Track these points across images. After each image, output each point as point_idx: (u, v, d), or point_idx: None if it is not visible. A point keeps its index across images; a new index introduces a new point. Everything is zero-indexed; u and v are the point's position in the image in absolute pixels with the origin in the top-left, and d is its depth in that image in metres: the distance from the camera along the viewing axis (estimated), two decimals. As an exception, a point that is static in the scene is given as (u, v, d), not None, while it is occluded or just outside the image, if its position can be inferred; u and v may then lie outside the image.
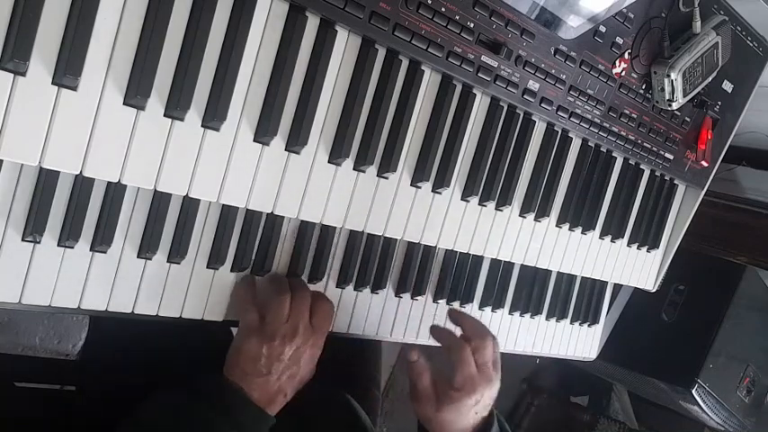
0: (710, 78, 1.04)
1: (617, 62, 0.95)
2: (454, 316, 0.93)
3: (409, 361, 0.85)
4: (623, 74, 0.97)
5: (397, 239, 0.90)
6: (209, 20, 0.62)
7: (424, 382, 0.83)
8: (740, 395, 2.04)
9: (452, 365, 0.83)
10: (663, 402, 2.26)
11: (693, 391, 1.88)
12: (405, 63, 0.78)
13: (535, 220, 0.99)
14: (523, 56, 0.85)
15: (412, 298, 0.96)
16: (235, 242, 0.77)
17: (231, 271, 0.77)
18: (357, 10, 0.69)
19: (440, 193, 0.86)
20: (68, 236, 0.65)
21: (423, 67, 0.79)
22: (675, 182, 1.20)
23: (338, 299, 0.87)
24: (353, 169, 0.77)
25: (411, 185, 0.83)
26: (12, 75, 0.54)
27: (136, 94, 0.59)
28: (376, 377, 1.19)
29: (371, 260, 0.89)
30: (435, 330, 0.93)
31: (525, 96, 0.88)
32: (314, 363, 0.77)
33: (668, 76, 0.98)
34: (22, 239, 0.63)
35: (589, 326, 1.28)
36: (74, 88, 0.57)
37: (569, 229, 1.04)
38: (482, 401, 0.82)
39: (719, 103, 1.14)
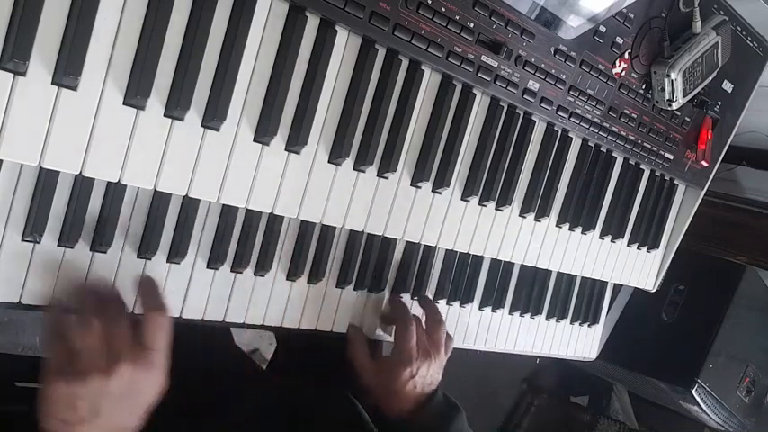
0: (710, 78, 1.04)
1: (617, 62, 0.95)
2: (423, 302, 0.96)
3: (348, 335, 0.89)
4: (623, 74, 0.97)
5: (396, 239, 0.90)
6: (209, 20, 0.62)
7: (360, 355, 0.88)
8: (740, 395, 2.04)
9: (396, 337, 0.89)
10: (663, 402, 2.26)
11: (693, 391, 1.88)
12: (405, 63, 0.78)
13: (535, 220, 0.99)
14: (523, 56, 0.85)
15: (412, 298, 0.96)
16: (235, 242, 0.77)
17: (231, 271, 0.77)
18: (357, 10, 0.69)
19: (440, 193, 0.86)
20: (68, 236, 0.65)
21: (423, 67, 0.79)
22: (675, 182, 1.20)
23: (338, 299, 0.87)
24: (353, 169, 0.77)
25: (411, 185, 0.83)
26: (12, 75, 0.54)
27: (136, 94, 0.59)
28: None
29: (371, 260, 0.89)
30: (392, 301, 0.94)
31: (525, 96, 0.88)
32: (157, 384, 0.65)
33: (668, 76, 0.98)
34: (22, 239, 0.63)
35: (589, 326, 1.28)
36: (74, 88, 0.57)
37: (569, 229, 1.04)
38: (419, 375, 0.86)
39: (719, 103, 1.14)
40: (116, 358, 0.61)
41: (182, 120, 0.63)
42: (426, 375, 0.87)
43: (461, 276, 1.02)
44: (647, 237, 1.18)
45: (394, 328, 0.91)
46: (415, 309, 0.96)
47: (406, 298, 0.95)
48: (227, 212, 0.75)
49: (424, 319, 0.93)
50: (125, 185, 0.66)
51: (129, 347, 0.62)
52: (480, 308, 1.06)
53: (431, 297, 0.98)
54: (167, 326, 0.65)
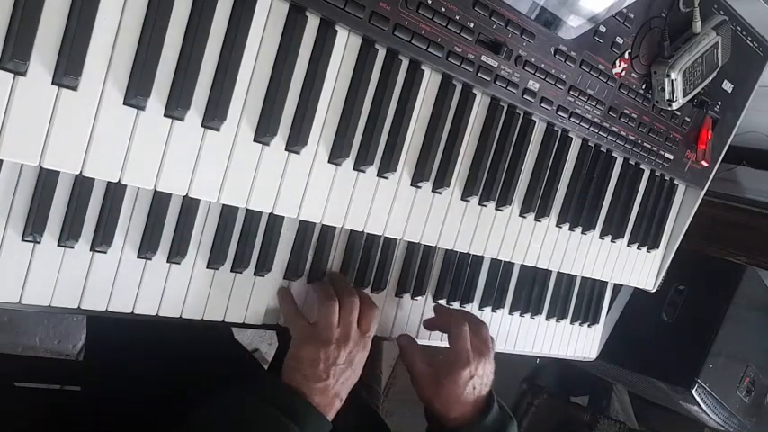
0: (710, 78, 1.04)
1: (617, 62, 0.95)
2: (440, 309, 0.97)
3: (400, 345, 0.90)
4: (623, 74, 0.97)
5: (397, 239, 0.90)
6: (209, 20, 0.62)
7: (418, 362, 0.88)
8: (740, 395, 2.03)
9: (450, 339, 0.88)
10: (663, 402, 2.25)
11: (693, 391, 1.88)
12: (405, 63, 0.78)
13: (535, 220, 0.99)
14: (523, 56, 0.85)
15: (412, 298, 0.96)
16: (235, 242, 0.77)
17: (231, 271, 0.77)
18: (357, 10, 0.69)
19: (440, 193, 0.86)
20: (68, 236, 0.65)
21: (423, 67, 0.79)
22: (675, 182, 1.20)
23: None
24: (353, 169, 0.77)
25: (411, 185, 0.83)
26: (12, 75, 0.54)
27: (136, 94, 0.59)
28: (377, 375, 1.19)
29: (371, 260, 0.89)
30: (438, 309, 0.97)
31: (525, 96, 0.88)
32: (362, 366, 0.80)
33: (668, 76, 0.98)
34: (22, 239, 0.63)
35: (589, 326, 1.28)
36: (74, 88, 0.57)
37: (569, 229, 1.04)
38: (477, 374, 0.86)
39: (719, 103, 1.14)
40: (348, 335, 0.77)
41: (182, 120, 0.63)
42: (483, 375, 0.87)
43: (461, 276, 1.02)
44: (647, 237, 1.18)
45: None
46: (419, 311, 0.96)
47: (406, 298, 0.95)
48: (227, 212, 0.75)
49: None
50: (125, 185, 0.66)
51: (356, 329, 0.79)
52: (480, 308, 1.06)
53: (431, 297, 0.98)
54: (378, 318, 0.82)
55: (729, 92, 1.14)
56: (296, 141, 0.70)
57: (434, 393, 0.86)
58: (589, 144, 1.02)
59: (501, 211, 0.94)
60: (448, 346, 0.89)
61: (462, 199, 0.89)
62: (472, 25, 0.79)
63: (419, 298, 0.97)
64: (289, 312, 0.80)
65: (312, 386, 0.74)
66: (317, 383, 0.74)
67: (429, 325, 0.97)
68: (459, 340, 0.86)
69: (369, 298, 0.84)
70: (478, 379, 0.86)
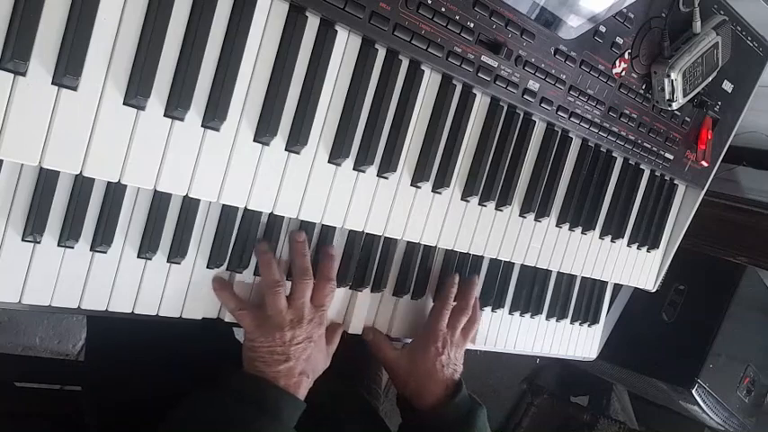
0: (710, 78, 1.04)
1: (617, 62, 0.95)
2: (468, 282, 0.98)
3: (365, 338, 0.91)
4: (623, 74, 0.97)
5: (397, 239, 0.90)
6: (209, 20, 0.62)
7: (386, 349, 0.91)
8: (740, 395, 2.04)
9: (430, 315, 0.93)
10: (663, 402, 2.26)
11: (693, 391, 1.88)
12: (405, 63, 0.78)
13: (535, 220, 0.99)
14: (523, 56, 0.85)
15: (412, 298, 0.96)
16: (235, 242, 0.77)
17: (231, 271, 0.77)
18: (357, 10, 0.69)
19: (440, 193, 0.86)
20: (68, 236, 0.65)
21: (423, 67, 0.79)
22: (675, 182, 1.20)
23: (338, 298, 0.87)
24: (353, 169, 0.77)
25: (411, 185, 0.83)
26: (12, 75, 0.54)
27: (136, 94, 0.59)
28: (378, 376, 1.19)
29: (371, 260, 0.89)
30: (447, 280, 0.97)
31: (525, 96, 0.88)
32: (323, 337, 0.81)
33: (668, 76, 0.98)
34: (22, 239, 0.63)
35: (589, 326, 1.28)
36: (74, 88, 0.57)
37: (569, 229, 1.04)
38: (444, 354, 0.90)
39: (719, 103, 1.14)
40: (301, 315, 0.77)
41: (182, 120, 0.63)
42: (451, 358, 0.91)
43: (461, 276, 1.02)
44: (647, 237, 1.18)
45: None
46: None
47: (406, 298, 0.95)
48: (227, 212, 0.75)
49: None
50: (125, 185, 0.66)
51: (309, 306, 0.78)
52: (480, 308, 1.06)
53: (431, 297, 0.98)
54: (332, 291, 0.82)
55: (729, 92, 1.14)
56: (296, 141, 0.70)
57: (407, 371, 0.90)
58: (589, 144, 1.02)
59: (501, 211, 0.94)
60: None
61: (462, 199, 0.89)
62: (472, 25, 0.78)
63: (419, 298, 0.97)
64: (229, 305, 0.77)
65: (274, 370, 0.74)
66: (279, 366, 0.75)
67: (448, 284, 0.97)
68: (437, 320, 0.92)
69: (325, 270, 0.82)
70: (446, 358, 0.90)
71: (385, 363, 0.92)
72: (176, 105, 0.61)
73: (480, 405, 0.91)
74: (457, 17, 0.77)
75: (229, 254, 0.76)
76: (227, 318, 0.78)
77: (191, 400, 0.73)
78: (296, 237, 0.81)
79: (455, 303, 0.95)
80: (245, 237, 0.77)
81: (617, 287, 1.42)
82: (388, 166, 0.79)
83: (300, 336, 0.77)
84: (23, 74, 0.54)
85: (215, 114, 0.64)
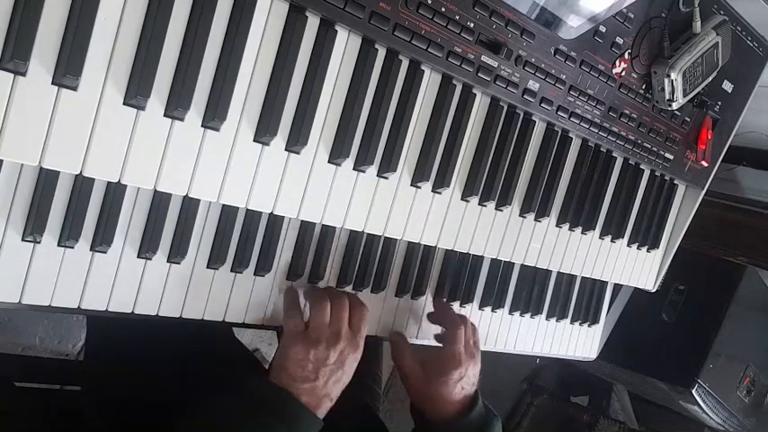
0: (710, 78, 1.04)
1: (617, 62, 0.95)
2: (440, 305, 0.98)
3: (391, 341, 0.91)
4: (623, 74, 0.97)
5: (397, 239, 0.90)
6: (209, 20, 0.62)
7: (408, 360, 0.90)
8: (740, 395, 2.04)
9: (445, 340, 0.91)
10: (663, 402, 2.26)
11: (693, 391, 1.88)
12: (405, 63, 0.78)
13: (535, 220, 0.99)
14: (523, 56, 0.85)
15: (412, 298, 0.96)
16: (235, 242, 0.77)
17: (231, 271, 0.77)
18: (357, 10, 0.69)
19: (440, 193, 0.86)
20: (68, 236, 0.65)
21: (423, 67, 0.79)
22: (675, 182, 1.20)
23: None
24: (353, 169, 0.77)
25: (411, 185, 0.83)
26: (12, 75, 0.54)
27: (136, 94, 0.59)
28: (378, 376, 1.19)
29: (371, 260, 0.89)
30: (438, 304, 0.98)
31: (525, 96, 0.88)
32: (354, 367, 0.80)
33: (668, 76, 0.98)
34: (22, 239, 0.63)
35: (589, 326, 1.28)
36: (74, 88, 0.57)
37: (569, 229, 1.04)
38: (466, 376, 0.89)
39: (719, 103, 1.14)
40: (338, 336, 0.77)
41: (182, 120, 0.63)
42: (471, 376, 0.90)
43: (461, 276, 1.02)
44: (647, 237, 1.18)
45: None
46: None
47: (406, 298, 0.95)
48: (228, 212, 0.75)
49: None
50: (125, 185, 0.66)
51: (347, 330, 0.78)
52: (480, 308, 1.06)
53: (431, 297, 0.98)
54: (367, 318, 0.82)
55: (729, 92, 1.14)
56: (296, 141, 0.70)
57: (424, 391, 0.88)
58: (589, 144, 1.02)
59: (501, 211, 0.94)
60: (438, 345, 0.90)
61: (462, 199, 0.89)
62: (472, 25, 0.78)
63: (419, 298, 0.97)
64: (289, 307, 0.80)
65: (299, 386, 0.74)
66: (305, 384, 0.74)
67: (431, 318, 0.98)
68: (455, 342, 0.89)
69: (358, 299, 0.84)
70: (467, 380, 0.89)
71: (402, 371, 0.90)
72: (176, 105, 0.61)
73: (495, 416, 0.91)
74: (457, 17, 0.77)
75: (233, 254, 0.77)
76: (228, 318, 0.78)
77: (211, 401, 0.73)
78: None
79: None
80: (245, 237, 0.77)
81: (617, 287, 1.42)
82: (388, 166, 0.79)
83: (333, 357, 0.76)
84: (23, 74, 0.54)
85: (215, 114, 0.64)
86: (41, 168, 0.62)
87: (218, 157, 0.66)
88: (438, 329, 0.99)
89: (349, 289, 0.89)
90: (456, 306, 1.02)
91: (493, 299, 1.07)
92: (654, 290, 1.26)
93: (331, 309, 0.79)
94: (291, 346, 0.76)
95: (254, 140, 0.68)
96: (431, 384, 0.88)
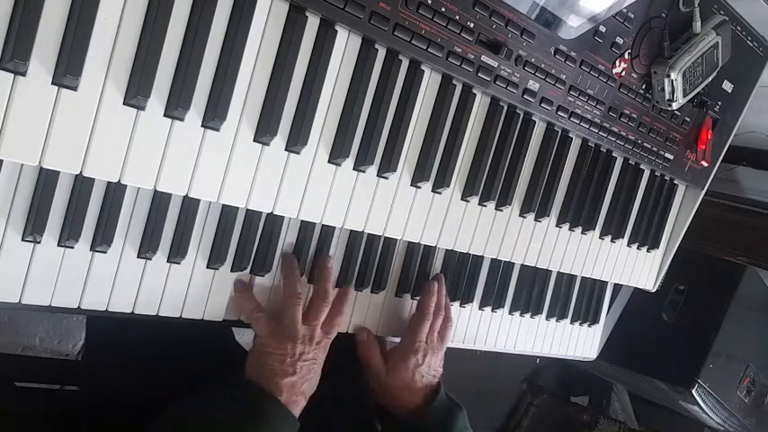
0: (710, 78, 1.04)
1: (617, 62, 0.95)
2: (439, 282, 0.97)
3: (360, 340, 0.90)
4: (623, 74, 0.97)
5: (397, 239, 0.90)
6: (209, 20, 0.62)
7: (375, 356, 0.90)
8: (740, 395, 2.04)
9: (409, 327, 0.91)
10: (663, 402, 2.26)
11: (693, 391, 1.88)
12: (405, 63, 0.78)
13: (535, 220, 0.99)
14: (523, 56, 0.85)
15: (412, 298, 0.96)
16: (235, 242, 0.77)
17: (231, 271, 0.77)
18: (357, 10, 0.69)
19: (440, 193, 0.86)
20: (68, 236, 0.65)
21: (423, 67, 0.79)
22: (675, 182, 1.20)
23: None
24: (353, 169, 0.77)
25: (411, 185, 0.83)
26: (12, 75, 0.54)
27: (136, 94, 0.59)
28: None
29: (371, 260, 0.89)
30: (428, 285, 0.95)
31: (525, 96, 0.88)
32: (321, 367, 0.80)
33: (668, 76, 0.98)
34: (22, 239, 0.63)
35: (589, 326, 1.28)
36: (74, 88, 0.57)
37: (569, 229, 1.04)
38: (425, 364, 0.89)
39: (719, 103, 1.14)
40: (313, 332, 0.78)
41: (182, 120, 0.63)
42: (431, 365, 0.90)
43: (461, 276, 1.02)
44: (647, 237, 1.18)
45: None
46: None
47: (406, 298, 0.95)
48: (228, 212, 0.75)
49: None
50: (125, 185, 0.66)
51: (320, 330, 0.79)
52: (480, 308, 1.06)
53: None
54: (341, 322, 0.83)
55: (729, 92, 1.14)
56: (296, 141, 0.70)
57: (385, 382, 0.89)
58: (589, 144, 1.02)
59: (501, 211, 0.94)
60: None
61: (462, 199, 0.89)
62: (472, 25, 0.78)
63: (419, 298, 0.97)
64: (247, 309, 0.78)
65: (279, 382, 0.74)
66: (285, 379, 0.74)
67: (428, 284, 0.97)
68: (417, 331, 0.90)
69: (339, 299, 0.84)
70: (426, 368, 0.89)
71: (368, 368, 0.91)
72: (176, 105, 0.61)
73: (459, 407, 0.91)
74: (457, 17, 0.77)
75: (233, 254, 0.76)
76: (228, 318, 0.78)
77: (186, 399, 0.73)
78: (326, 262, 0.83)
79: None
80: (245, 237, 0.77)
81: (617, 287, 1.43)
82: (388, 166, 0.79)
83: (309, 354, 0.77)
84: (23, 74, 0.54)
85: (215, 114, 0.64)
86: (41, 168, 0.62)
87: (218, 157, 0.66)
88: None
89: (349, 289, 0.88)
90: (456, 306, 1.02)
91: (493, 299, 1.07)
92: (654, 290, 1.26)
93: (310, 307, 0.79)
94: (269, 343, 0.76)
95: (254, 140, 0.68)
96: (391, 373, 0.88)
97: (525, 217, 0.97)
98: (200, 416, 0.71)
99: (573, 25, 0.85)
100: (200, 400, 0.73)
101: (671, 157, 1.13)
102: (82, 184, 0.65)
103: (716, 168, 1.22)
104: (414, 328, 0.91)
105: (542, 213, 0.98)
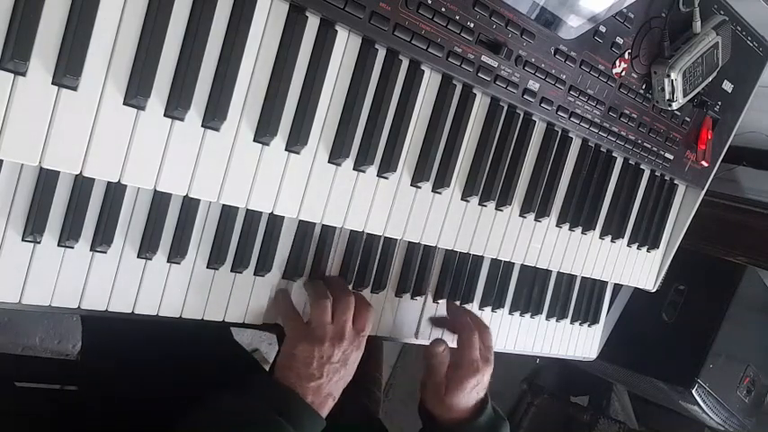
0: (710, 78, 1.04)
1: (617, 62, 0.95)
2: (454, 309, 0.97)
3: (435, 352, 0.89)
4: (623, 74, 0.97)
5: (397, 239, 0.90)
6: (209, 20, 0.62)
7: (443, 372, 0.89)
8: (740, 395, 2.03)
9: (460, 346, 0.90)
10: (663, 402, 2.26)
11: (693, 391, 1.88)
12: (405, 63, 0.78)
13: (535, 220, 0.99)
14: (523, 56, 0.85)
15: (412, 298, 0.96)
16: (235, 242, 0.77)
17: (231, 271, 0.77)
18: (357, 10, 0.69)
19: (440, 193, 0.86)
20: (68, 236, 0.65)
21: (423, 67, 0.79)
22: (675, 182, 1.20)
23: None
24: (353, 169, 0.77)
25: (411, 185, 0.83)
26: (12, 75, 0.54)
27: (136, 94, 0.59)
28: (377, 377, 1.19)
29: (371, 260, 0.89)
30: (452, 307, 0.97)
31: (525, 96, 0.88)
32: (356, 366, 0.80)
33: (668, 76, 0.98)
34: (22, 239, 0.63)
35: (589, 326, 1.28)
36: (74, 88, 0.57)
37: (569, 229, 1.04)
38: (482, 382, 0.89)
39: (719, 103, 1.14)
40: (342, 334, 0.77)
41: (182, 120, 0.63)
42: (485, 382, 0.90)
43: (461, 276, 1.02)
44: (647, 237, 1.18)
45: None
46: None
47: (406, 298, 0.95)
48: (228, 212, 0.75)
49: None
50: (125, 185, 0.66)
51: (350, 328, 0.78)
52: (480, 308, 1.06)
53: (431, 297, 0.98)
54: (372, 317, 0.82)
55: (729, 92, 1.14)
56: (296, 141, 0.70)
57: (441, 400, 0.88)
58: (589, 144, 1.02)
59: (501, 211, 0.94)
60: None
61: (462, 199, 0.89)
62: (472, 25, 0.78)
63: (419, 298, 0.97)
64: (285, 310, 0.80)
65: (305, 385, 0.74)
66: (311, 382, 0.74)
67: (436, 323, 0.98)
68: (470, 350, 0.89)
69: (364, 298, 0.84)
70: (482, 385, 0.89)
71: (431, 379, 0.89)
72: (176, 105, 0.61)
73: (504, 419, 0.91)
74: (457, 17, 0.77)
75: (233, 254, 0.77)
76: (228, 318, 0.78)
77: (216, 399, 0.73)
78: (336, 277, 0.84)
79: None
80: (245, 237, 0.77)
81: (617, 287, 1.42)
82: (388, 166, 0.79)
83: (338, 355, 0.76)
84: (23, 74, 0.54)
85: (215, 114, 0.64)
86: (41, 168, 0.62)
87: (218, 157, 0.66)
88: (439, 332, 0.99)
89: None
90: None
91: (493, 299, 1.07)
92: (654, 290, 1.26)
93: (335, 306, 0.78)
94: (296, 345, 0.76)
95: (255, 140, 0.68)
96: (448, 392, 0.87)
97: (525, 217, 0.97)
98: (227, 417, 0.72)
99: (573, 25, 0.85)
100: (225, 401, 0.73)
101: (671, 157, 1.13)
102: (82, 184, 0.65)
103: (716, 168, 1.22)
104: (464, 348, 0.89)
105: (542, 213, 0.98)
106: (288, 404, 0.73)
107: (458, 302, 1.02)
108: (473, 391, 0.88)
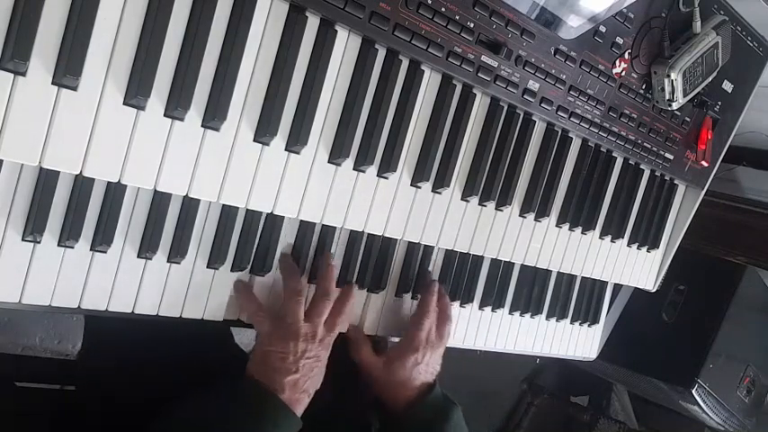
0: (710, 78, 1.04)
1: (617, 62, 0.95)
2: (439, 293, 0.96)
3: (349, 336, 0.90)
4: (623, 74, 0.97)
5: (397, 239, 0.90)
6: (209, 20, 0.62)
7: (365, 350, 0.90)
8: (740, 395, 2.04)
9: (410, 324, 0.91)
10: (663, 402, 2.26)
11: (693, 391, 1.88)
12: (405, 63, 0.78)
13: (535, 220, 0.99)
14: (523, 56, 0.85)
15: (412, 298, 0.96)
16: (235, 242, 0.77)
17: (231, 271, 0.77)
18: (357, 10, 0.69)
19: (440, 193, 0.86)
20: (68, 236, 0.65)
21: (423, 67, 0.79)
22: (675, 182, 1.20)
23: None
24: (353, 169, 0.77)
25: (411, 185, 0.83)
26: (12, 75, 0.54)
27: (136, 94, 0.59)
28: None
29: (371, 260, 0.89)
30: (427, 285, 0.96)
31: (525, 96, 0.88)
32: (324, 365, 0.80)
33: (668, 76, 0.98)
34: (22, 239, 0.63)
35: (589, 326, 1.28)
36: (74, 88, 0.57)
37: (569, 229, 1.04)
38: (423, 362, 0.89)
39: (719, 103, 1.14)
40: (315, 329, 0.77)
41: (182, 120, 0.63)
42: (429, 363, 0.90)
43: (461, 276, 1.02)
44: (647, 237, 1.18)
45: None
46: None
47: (406, 298, 0.95)
48: (228, 212, 0.75)
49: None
50: (125, 185, 0.66)
51: (323, 327, 0.79)
52: (480, 308, 1.06)
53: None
54: (346, 320, 0.83)
55: (729, 92, 1.14)
56: (296, 141, 0.70)
57: (383, 378, 0.89)
58: (589, 144, 1.02)
59: (501, 211, 0.94)
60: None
61: (462, 199, 0.89)
62: (472, 25, 0.78)
63: (419, 296, 0.96)
64: (249, 308, 0.78)
65: (282, 380, 0.74)
66: (287, 377, 0.74)
67: (427, 284, 0.97)
68: (418, 329, 0.90)
69: (342, 297, 0.84)
70: (424, 366, 0.90)
71: (361, 365, 0.91)
72: (176, 105, 0.61)
73: (455, 404, 0.91)
74: (457, 17, 0.77)
75: (233, 254, 0.76)
76: (228, 318, 0.78)
77: (189, 398, 0.73)
78: (328, 260, 0.83)
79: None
80: (245, 237, 0.77)
81: (617, 287, 1.42)
82: (388, 166, 0.79)
83: (312, 351, 0.77)
84: (23, 74, 0.54)
85: (215, 114, 0.64)
86: (41, 168, 0.62)
87: (218, 157, 0.66)
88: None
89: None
90: (456, 306, 1.02)
91: (493, 299, 1.07)
92: (654, 290, 1.26)
93: (312, 306, 0.79)
94: (271, 341, 0.76)
95: (254, 140, 0.68)
96: (389, 369, 0.88)
97: (525, 217, 0.97)
98: (202, 414, 0.72)
99: (573, 25, 0.85)
100: (201, 398, 0.73)
101: (671, 157, 1.13)
102: (82, 184, 0.65)
103: (716, 168, 1.22)
104: (414, 326, 0.91)
105: (542, 213, 0.98)
106: (261, 400, 0.73)
107: (457, 302, 1.02)
108: (413, 369, 0.88)
